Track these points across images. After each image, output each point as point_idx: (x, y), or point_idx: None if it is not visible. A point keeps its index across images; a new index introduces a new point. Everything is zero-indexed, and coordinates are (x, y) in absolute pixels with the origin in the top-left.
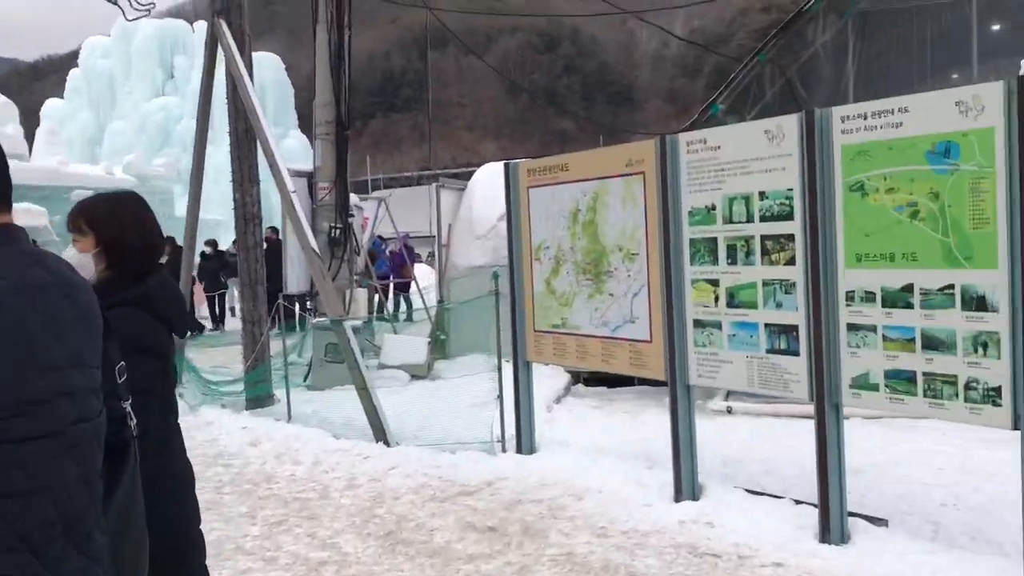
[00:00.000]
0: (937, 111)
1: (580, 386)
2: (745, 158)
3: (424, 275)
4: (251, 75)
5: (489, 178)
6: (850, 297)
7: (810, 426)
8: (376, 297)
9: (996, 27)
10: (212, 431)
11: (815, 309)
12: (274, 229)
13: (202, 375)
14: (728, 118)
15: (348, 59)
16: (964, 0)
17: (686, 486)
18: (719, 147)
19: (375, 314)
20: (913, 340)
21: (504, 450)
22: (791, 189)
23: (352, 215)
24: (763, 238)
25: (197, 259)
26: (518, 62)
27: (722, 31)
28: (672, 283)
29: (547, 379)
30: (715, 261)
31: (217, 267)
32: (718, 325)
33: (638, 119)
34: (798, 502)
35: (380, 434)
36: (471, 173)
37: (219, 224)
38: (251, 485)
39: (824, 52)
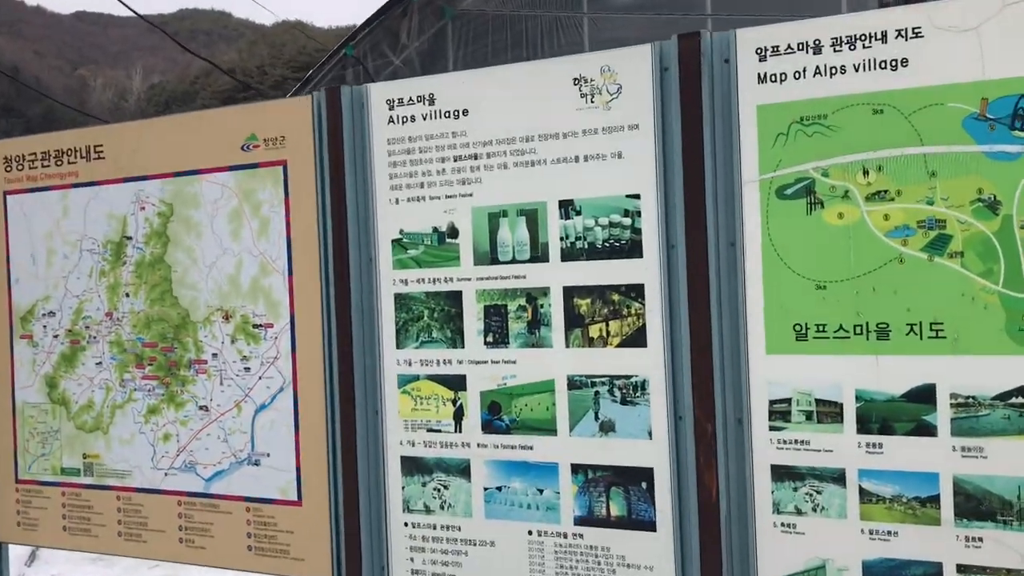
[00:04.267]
0: (990, 33)
1: None
2: (526, 134)
3: None
4: None
5: None
6: (780, 413)
7: None
8: None
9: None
10: None
11: (699, 436)
12: None
13: None
14: None
15: None
16: (575, 3)
17: None
18: (465, 112)
19: None
20: (934, 500)
21: None
22: (637, 196)
23: None
24: (571, 293)
25: None
26: None
27: (185, 89)
28: (354, 383)
29: None
30: (455, 339)
31: None
32: (462, 468)
33: None
34: None
35: None
36: None
37: None
38: None
39: (420, 54)
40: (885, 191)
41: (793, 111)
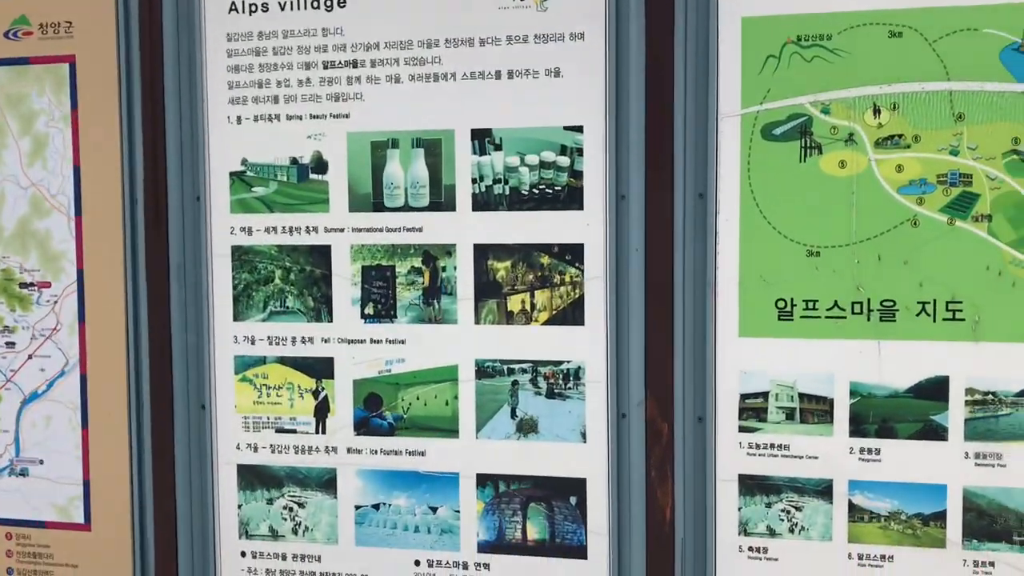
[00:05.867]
0: None
1: None
2: (428, 36)
3: None
4: None
5: None
6: (753, 410)
7: None
8: None
9: None
10: None
11: (651, 439)
12: None
13: None
14: None
15: None
16: None
17: None
18: (342, 2)
19: None
20: (939, 518)
21: None
22: (578, 129)
23: None
24: (484, 252)
25: None
26: None
27: None
28: (172, 366)
29: None
30: (320, 309)
31: None
32: (326, 481)
33: None
34: None
35: None
36: None
37: None
38: None
39: None
40: (900, 136)
41: (788, 27)
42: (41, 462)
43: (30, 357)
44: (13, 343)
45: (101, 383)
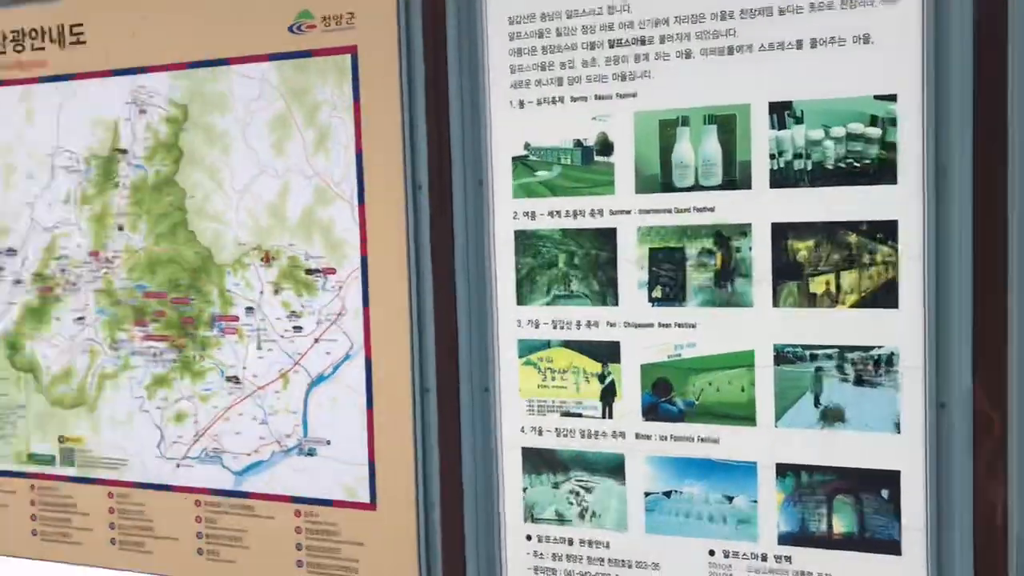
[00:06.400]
0: None
1: None
2: (722, 8)
3: None
4: None
5: None
6: None
7: None
8: None
9: None
10: None
11: (979, 431)
12: None
13: None
14: None
15: None
16: None
17: None
18: None
19: None
20: None
21: None
22: (891, 98)
23: None
24: (784, 232)
25: None
26: None
27: None
28: (457, 350)
29: None
30: (605, 293)
31: None
32: (614, 467)
33: None
34: None
35: None
36: None
37: None
38: None
39: None
40: None
41: None
42: (328, 442)
43: (316, 341)
44: (300, 327)
45: (385, 366)
